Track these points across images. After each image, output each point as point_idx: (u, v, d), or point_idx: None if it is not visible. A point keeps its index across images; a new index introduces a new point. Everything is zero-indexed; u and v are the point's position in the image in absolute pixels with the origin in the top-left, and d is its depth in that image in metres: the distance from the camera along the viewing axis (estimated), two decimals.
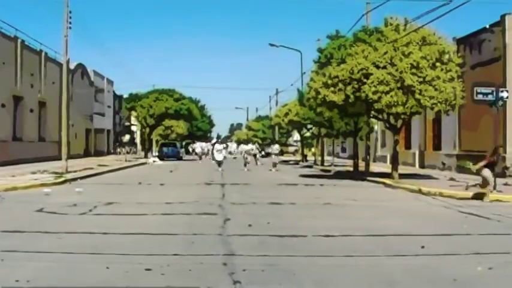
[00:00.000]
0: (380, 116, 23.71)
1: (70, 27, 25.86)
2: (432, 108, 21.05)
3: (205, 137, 75.75)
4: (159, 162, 43.72)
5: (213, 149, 42.97)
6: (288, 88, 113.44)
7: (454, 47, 23.19)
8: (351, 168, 29.57)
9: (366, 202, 15.44)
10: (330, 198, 15.69)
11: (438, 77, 20.22)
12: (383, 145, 41.10)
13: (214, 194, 17.07)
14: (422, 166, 32.18)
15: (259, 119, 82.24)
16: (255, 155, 39.26)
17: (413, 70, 20.12)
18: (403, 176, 22.61)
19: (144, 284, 6.10)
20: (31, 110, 35.52)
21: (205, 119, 78.48)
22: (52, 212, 12.06)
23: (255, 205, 14.00)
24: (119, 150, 56.67)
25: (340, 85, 21.04)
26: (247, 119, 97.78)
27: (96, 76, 53.91)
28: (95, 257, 7.30)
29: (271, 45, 45.90)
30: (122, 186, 20.23)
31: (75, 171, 24.76)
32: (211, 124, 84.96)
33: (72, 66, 42.30)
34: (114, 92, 62.68)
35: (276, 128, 56.31)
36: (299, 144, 60.44)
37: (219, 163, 31.15)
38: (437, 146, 30.86)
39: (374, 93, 20.21)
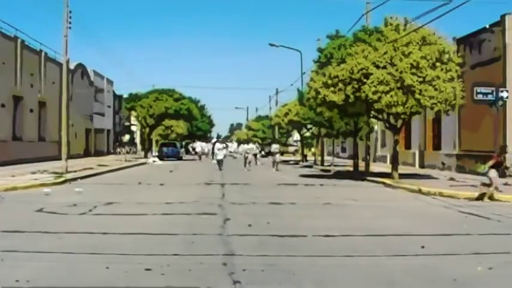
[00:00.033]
0: (380, 116, 23.71)
1: (70, 27, 25.90)
2: (432, 108, 21.04)
3: (205, 137, 75.71)
4: (158, 162, 43.72)
5: (213, 149, 42.98)
6: (288, 88, 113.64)
7: (454, 46, 23.19)
8: (351, 168, 29.56)
9: (366, 202, 15.43)
10: (330, 198, 15.69)
11: (438, 77, 20.22)
12: (383, 145, 41.11)
13: (214, 194, 17.07)
14: (422, 166, 32.19)
15: (259, 119, 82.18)
16: (255, 155, 39.25)
17: (413, 70, 20.12)
18: (403, 176, 22.61)
19: (144, 284, 6.09)
20: (31, 110, 35.52)
21: (205, 119, 78.41)
22: (52, 212, 12.06)
23: (255, 205, 13.99)
24: (118, 150, 56.67)
25: (340, 85, 21.04)
26: (247, 119, 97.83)
27: (96, 76, 53.92)
28: (95, 257, 7.30)
29: (271, 45, 45.88)
30: (121, 186, 20.23)
31: (75, 171, 24.76)
32: (211, 124, 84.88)
33: (72, 66, 42.30)
34: (114, 92, 62.69)
35: (276, 128, 56.31)
36: (299, 144, 60.44)
37: (219, 162, 31.15)
38: (437, 146, 30.86)
39: (374, 93, 20.21)
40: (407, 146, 34.73)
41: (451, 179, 22.08)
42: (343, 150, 55.77)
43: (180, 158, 51.03)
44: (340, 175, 27.93)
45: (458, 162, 27.45)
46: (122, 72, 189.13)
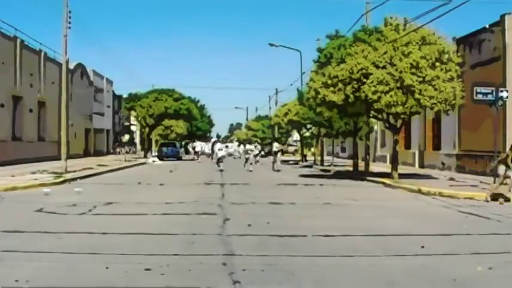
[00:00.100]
0: (380, 116, 23.70)
1: (69, 27, 25.88)
2: (432, 108, 21.04)
3: (204, 137, 75.66)
4: (158, 162, 43.72)
5: (212, 148, 42.96)
6: (288, 88, 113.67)
7: (453, 46, 23.19)
8: (351, 168, 29.56)
9: (366, 202, 15.43)
10: (330, 198, 15.69)
11: (438, 77, 20.21)
12: (383, 145, 41.11)
13: (214, 193, 17.06)
14: (422, 166, 32.18)
15: (258, 118, 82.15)
16: (256, 155, 39.24)
17: (413, 70, 20.11)
18: (402, 175, 22.60)
19: (143, 284, 6.09)
20: (30, 110, 35.50)
21: (205, 118, 78.37)
22: (52, 212, 12.05)
23: (255, 205, 13.99)
24: (118, 150, 56.67)
25: (340, 85, 21.03)
26: (247, 119, 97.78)
27: (96, 76, 53.91)
28: (95, 257, 7.30)
29: (271, 45, 45.86)
30: (121, 186, 20.22)
31: (74, 171, 24.75)
32: (211, 124, 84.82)
33: (71, 66, 42.30)
34: (113, 91, 62.68)
35: (276, 127, 56.31)
36: (299, 144, 60.44)
37: (219, 163, 31.12)
38: (437, 146, 30.86)
39: (374, 93, 20.20)
40: (407, 146, 34.73)
41: (451, 179, 22.08)
42: (343, 150, 55.77)
43: (179, 158, 51.02)
44: (339, 175, 27.93)
45: (458, 162, 27.44)
46: (122, 72, 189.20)
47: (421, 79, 20.12)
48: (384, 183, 21.41)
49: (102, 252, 7.58)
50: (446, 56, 20.93)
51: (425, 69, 20.14)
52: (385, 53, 20.60)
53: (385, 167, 29.15)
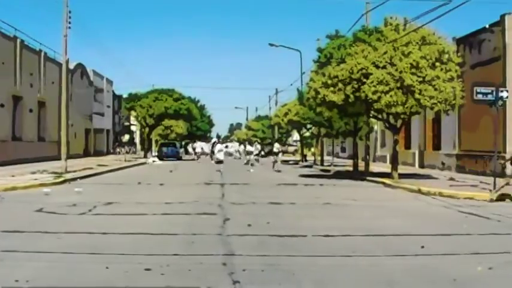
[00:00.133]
0: (380, 116, 23.70)
1: (69, 27, 25.88)
2: (432, 108, 21.04)
3: (204, 137, 75.74)
4: (158, 162, 43.72)
5: (212, 149, 42.95)
6: (288, 88, 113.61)
7: (453, 46, 23.19)
8: (351, 168, 29.56)
9: (366, 202, 15.43)
10: (330, 198, 15.68)
11: (438, 77, 20.21)
12: (383, 145, 41.11)
13: (214, 194, 17.06)
14: (422, 166, 32.19)
15: (258, 118, 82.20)
16: (256, 154, 39.28)
17: (413, 70, 20.11)
18: (402, 175, 22.61)
19: (143, 284, 6.09)
20: (30, 110, 35.50)
21: (205, 118, 78.42)
22: (52, 212, 12.05)
23: (255, 205, 13.99)
24: (118, 150, 56.70)
25: (340, 85, 21.03)
26: (247, 119, 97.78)
27: (96, 76, 53.92)
28: (95, 257, 7.30)
29: (271, 45, 45.86)
30: (121, 186, 20.22)
31: (74, 171, 24.75)
32: (211, 124, 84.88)
33: (71, 66, 42.30)
34: (113, 91, 62.69)
35: (276, 127, 56.32)
36: (298, 144, 60.44)
37: (219, 163, 31.12)
38: (437, 146, 30.86)
39: (374, 93, 20.20)
40: (407, 146, 34.73)
41: (451, 179, 22.08)
42: (343, 150, 55.78)
43: (179, 158, 51.03)
44: (339, 175, 27.93)
45: (458, 162, 27.45)
46: (122, 72, 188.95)
47: (421, 79, 20.12)
48: (383, 183, 21.41)
49: (102, 252, 7.57)
50: (446, 56, 20.93)
51: (425, 69, 20.14)
52: (385, 53, 20.59)
53: (385, 167, 29.15)
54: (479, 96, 17.47)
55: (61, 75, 28.46)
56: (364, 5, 26.69)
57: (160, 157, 48.50)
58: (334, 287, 6.17)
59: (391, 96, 20.17)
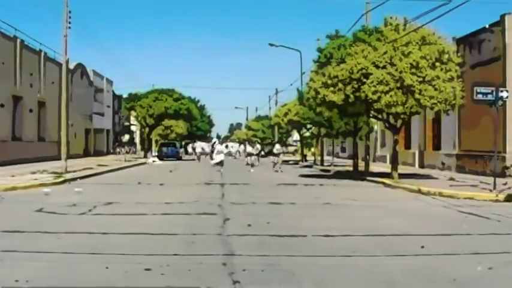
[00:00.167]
0: (380, 116, 23.69)
1: (69, 27, 25.90)
2: (432, 108, 21.03)
3: (204, 137, 75.76)
4: (158, 162, 43.74)
5: (212, 149, 42.93)
6: (288, 88, 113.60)
7: (453, 46, 23.18)
8: (351, 168, 29.56)
9: (366, 202, 15.43)
10: (330, 198, 15.68)
11: (438, 77, 20.20)
12: (383, 145, 41.11)
13: (214, 193, 17.06)
14: (422, 166, 32.18)
15: (258, 118, 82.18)
16: (257, 155, 39.26)
17: (413, 70, 20.10)
18: (402, 175, 22.60)
19: (143, 284, 6.09)
20: (30, 110, 35.51)
21: (205, 118, 78.50)
22: (52, 212, 12.05)
23: (255, 205, 13.99)
24: (118, 150, 56.69)
25: (340, 85, 21.03)
26: (247, 119, 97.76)
27: (96, 76, 53.92)
28: (95, 257, 7.30)
29: (271, 45, 45.88)
30: (121, 186, 20.22)
31: (74, 171, 24.75)
32: (211, 124, 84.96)
33: (71, 66, 42.30)
34: (113, 91, 62.69)
35: (276, 127, 56.32)
36: (298, 144, 60.45)
37: (220, 164, 31.05)
38: (437, 146, 30.86)
39: (374, 93, 20.19)
40: (407, 146, 34.73)
41: (451, 179, 22.08)
42: (343, 150, 55.79)
43: (179, 158, 51.06)
44: (339, 175, 27.93)
45: (458, 162, 27.44)
46: (122, 72, 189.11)
47: (421, 79, 20.11)
48: (384, 183, 21.40)
49: (102, 252, 7.57)
50: (446, 56, 20.92)
51: (425, 69, 20.13)
52: (385, 53, 20.59)
53: (385, 167, 29.15)
54: (479, 96, 17.48)
55: (61, 75, 28.46)
56: (364, 5, 26.72)
57: (160, 157, 48.52)
58: (334, 287, 6.17)
59: (391, 96, 20.17)
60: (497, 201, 15.22)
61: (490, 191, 16.43)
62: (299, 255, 7.60)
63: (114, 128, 64.24)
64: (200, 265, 6.90)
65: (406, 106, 20.45)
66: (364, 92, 20.33)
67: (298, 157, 55.01)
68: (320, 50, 23.72)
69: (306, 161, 46.91)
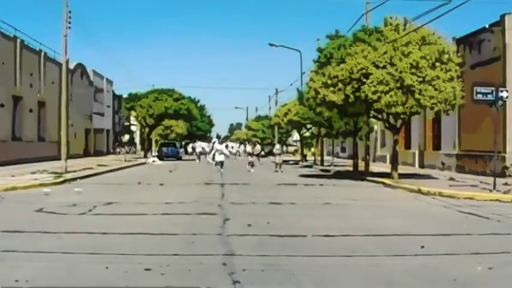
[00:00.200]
0: (379, 116, 23.70)
1: (69, 27, 25.89)
2: (432, 108, 21.04)
3: (204, 137, 75.76)
4: (158, 162, 43.73)
5: (212, 149, 42.90)
6: (288, 88, 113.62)
7: (453, 46, 23.19)
8: (351, 168, 29.56)
9: (366, 202, 15.43)
10: (330, 198, 15.68)
11: (438, 77, 20.21)
12: (383, 145, 41.11)
13: (214, 193, 17.06)
14: (422, 166, 32.19)
15: (258, 118, 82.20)
16: (257, 155, 39.27)
17: (413, 70, 20.10)
18: (402, 175, 22.60)
19: (143, 284, 6.09)
20: (30, 110, 35.51)
21: (205, 118, 78.49)
22: (52, 212, 12.05)
23: (255, 205, 13.99)
24: (118, 150, 56.67)
25: (340, 85, 21.03)
26: (247, 119, 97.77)
27: (96, 76, 53.92)
28: (95, 257, 7.30)
29: (271, 45, 45.86)
30: (121, 186, 20.22)
31: (74, 171, 24.75)
32: (211, 124, 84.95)
33: (71, 66, 42.30)
34: (113, 91, 62.69)
35: (276, 127, 56.33)
36: (298, 144, 60.45)
37: (220, 164, 31.02)
38: (437, 146, 30.86)
39: (373, 93, 20.20)
40: (407, 146, 34.73)
41: (451, 179, 22.08)
42: (343, 150, 55.78)
43: (179, 158, 51.06)
44: (339, 175, 27.93)
45: (458, 162, 27.45)
46: (122, 72, 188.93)
47: (421, 79, 20.11)
48: (383, 183, 21.41)
49: (102, 252, 7.57)
50: (446, 56, 20.92)
51: (425, 69, 20.13)
52: (385, 53, 20.59)
53: (385, 167, 29.15)
54: (479, 96, 17.47)
55: (61, 75, 28.46)
56: (364, 5, 26.72)
57: (160, 157, 48.51)
58: (334, 287, 6.17)
59: (391, 96, 20.17)
60: (500, 201, 15.17)
61: (490, 191, 16.43)
62: (299, 255, 7.60)
63: (114, 128, 64.24)
64: (200, 265, 6.90)
65: (406, 106, 20.45)
66: (364, 92, 20.33)
67: (298, 157, 55.01)
68: (320, 50, 23.71)
69: (306, 161, 46.90)
